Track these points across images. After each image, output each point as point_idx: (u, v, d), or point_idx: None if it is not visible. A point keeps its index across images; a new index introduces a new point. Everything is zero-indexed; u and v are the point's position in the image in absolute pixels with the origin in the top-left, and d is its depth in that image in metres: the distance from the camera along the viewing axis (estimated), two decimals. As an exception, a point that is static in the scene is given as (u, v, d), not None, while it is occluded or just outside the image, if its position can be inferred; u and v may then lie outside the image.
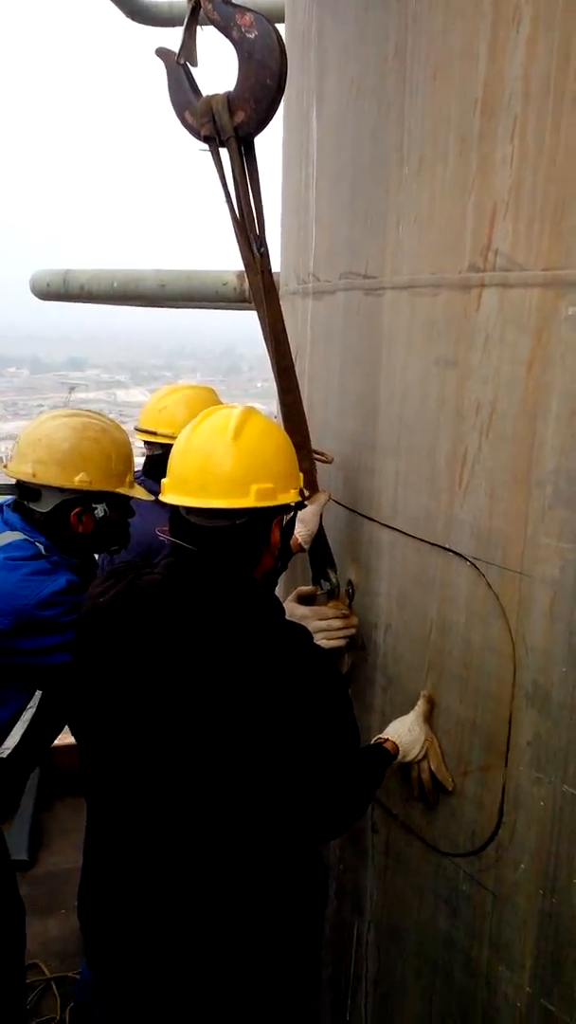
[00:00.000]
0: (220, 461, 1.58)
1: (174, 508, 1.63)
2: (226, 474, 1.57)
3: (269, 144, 2.85)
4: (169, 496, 1.62)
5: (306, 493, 1.75)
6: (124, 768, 1.58)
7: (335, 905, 2.39)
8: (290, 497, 1.65)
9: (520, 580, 1.56)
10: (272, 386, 2.12)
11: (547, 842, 1.56)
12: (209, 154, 2.02)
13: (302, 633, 1.65)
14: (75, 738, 1.75)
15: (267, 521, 1.62)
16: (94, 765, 1.66)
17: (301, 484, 1.72)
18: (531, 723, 1.57)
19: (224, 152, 1.96)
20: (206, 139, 1.98)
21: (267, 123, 1.95)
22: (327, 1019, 2.51)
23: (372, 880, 2.18)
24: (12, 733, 2.07)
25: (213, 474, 1.57)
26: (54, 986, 2.93)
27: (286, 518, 1.68)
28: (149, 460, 2.92)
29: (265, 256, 2.03)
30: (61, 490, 2.10)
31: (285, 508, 1.65)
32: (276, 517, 1.63)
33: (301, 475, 1.74)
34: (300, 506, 1.73)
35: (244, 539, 1.60)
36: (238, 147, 1.94)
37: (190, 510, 1.60)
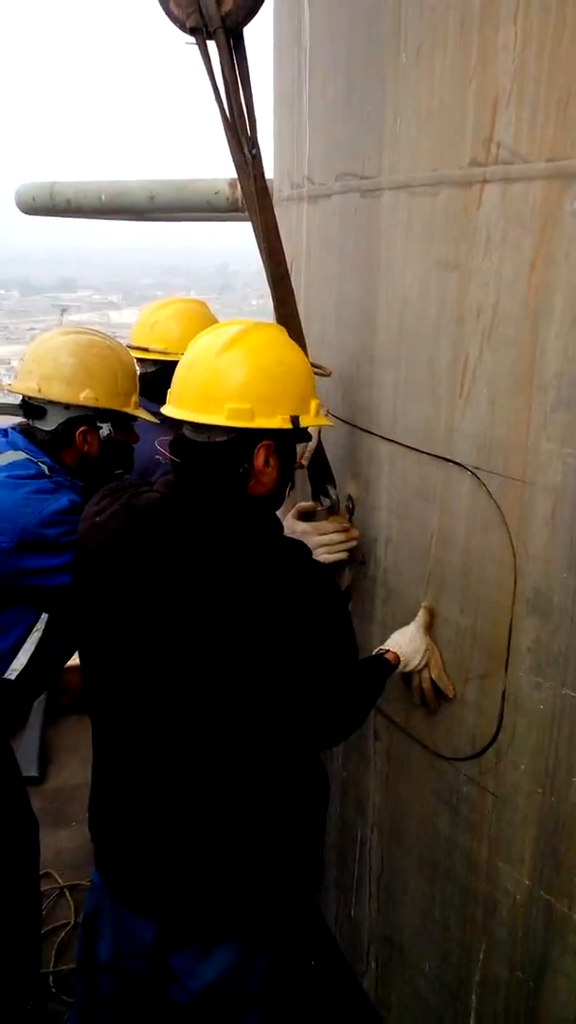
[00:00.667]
0: (199, 374, 1.57)
1: (177, 421, 1.62)
2: (201, 389, 1.55)
3: (260, 36, 2.71)
4: (166, 407, 1.62)
5: (310, 423, 1.64)
6: (129, 683, 1.60)
7: (339, 810, 2.47)
8: (273, 423, 1.55)
9: (522, 488, 1.55)
10: (268, 303, 2.06)
11: (546, 743, 1.59)
12: (196, 48, 1.91)
13: (300, 548, 1.65)
14: (79, 655, 1.76)
15: (250, 443, 1.55)
16: (99, 681, 1.68)
17: (303, 411, 1.62)
18: (531, 629, 1.58)
19: (212, 45, 1.86)
20: (192, 31, 1.88)
21: (256, 12, 1.84)
22: (333, 917, 2.62)
23: (375, 785, 2.24)
24: (19, 655, 2.09)
25: (190, 386, 1.57)
26: (67, 893, 3.05)
27: (282, 444, 1.59)
28: (143, 378, 2.84)
29: (257, 158, 1.94)
30: (66, 407, 2.07)
31: (271, 433, 1.56)
32: (261, 441, 1.56)
33: (314, 402, 1.65)
34: (299, 436, 1.64)
35: (222, 457, 1.56)
36: (226, 39, 1.84)
37: (184, 422, 1.58)
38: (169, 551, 1.53)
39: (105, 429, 2.11)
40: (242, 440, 1.56)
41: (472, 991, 1.91)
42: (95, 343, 2.12)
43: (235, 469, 1.56)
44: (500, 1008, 1.84)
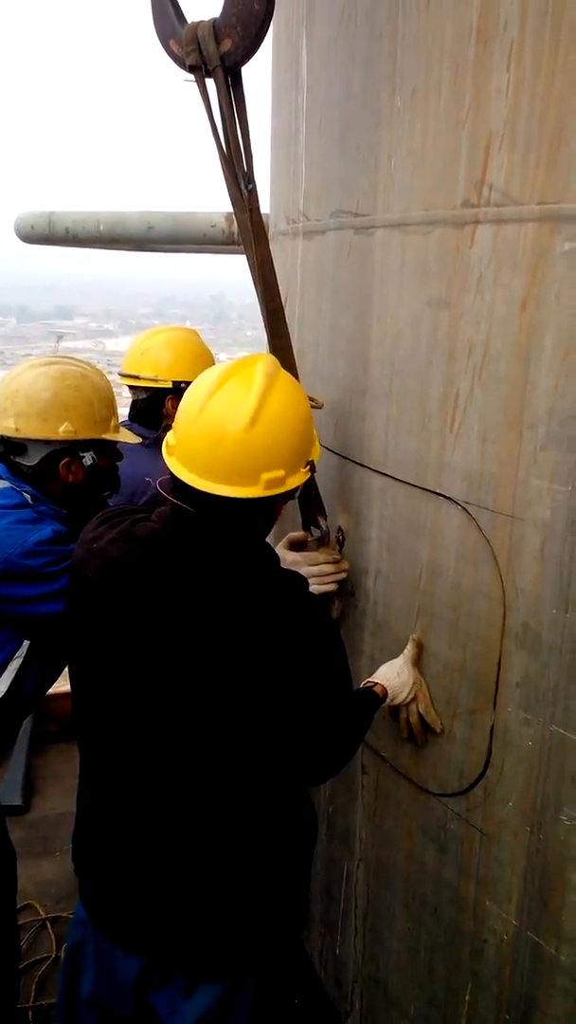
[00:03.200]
0: (231, 450, 1.45)
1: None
2: (235, 465, 1.47)
3: (258, 75, 2.76)
4: (173, 463, 1.53)
5: (316, 466, 1.64)
6: (120, 711, 1.59)
7: (325, 845, 2.44)
8: (299, 479, 1.55)
9: (511, 523, 1.55)
10: (262, 334, 2.07)
11: (534, 781, 1.58)
12: (195, 85, 1.95)
13: (298, 581, 1.65)
14: (71, 683, 1.75)
15: (272, 502, 1.55)
16: (90, 708, 1.67)
17: (314, 456, 1.62)
18: (520, 665, 1.58)
19: (211, 83, 1.89)
20: (191, 69, 1.91)
21: (255, 52, 1.88)
22: (318, 953, 2.58)
23: (362, 820, 2.22)
24: (0, 681, 2.07)
25: (221, 461, 1.46)
26: (49, 926, 3.00)
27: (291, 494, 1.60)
28: (135, 405, 2.88)
29: (253, 193, 1.97)
30: (46, 442, 2.06)
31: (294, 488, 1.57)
32: (283, 498, 1.57)
33: (315, 445, 1.64)
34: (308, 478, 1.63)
35: (248, 517, 1.54)
36: (225, 77, 1.87)
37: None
38: (168, 581, 1.52)
39: (88, 457, 2.11)
40: (268, 501, 1.53)
41: (458, 1034, 1.88)
42: (67, 373, 2.09)
43: (261, 525, 1.57)
44: (486, 1052, 1.81)
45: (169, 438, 1.58)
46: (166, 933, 1.62)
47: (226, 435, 1.46)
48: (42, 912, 3.06)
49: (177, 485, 1.55)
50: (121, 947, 1.66)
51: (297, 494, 1.97)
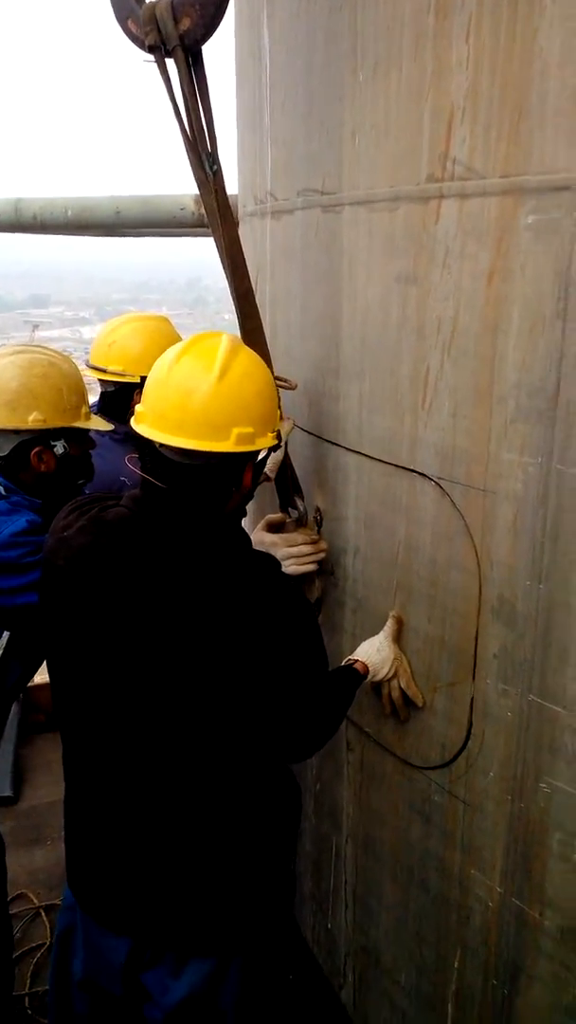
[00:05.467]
0: (202, 401, 1.49)
1: (147, 439, 1.56)
2: (207, 417, 1.49)
3: (221, 53, 2.73)
4: (143, 428, 1.54)
5: (283, 435, 1.68)
6: (98, 698, 1.59)
7: (314, 822, 2.47)
8: (267, 441, 1.58)
9: (484, 497, 1.56)
10: (238, 318, 2.07)
11: (514, 750, 1.61)
12: (155, 65, 1.93)
13: (270, 562, 1.65)
14: (49, 672, 1.75)
15: (242, 462, 1.57)
16: (69, 697, 1.67)
17: (279, 426, 1.65)
18: (497, 637, 1.60)
19: (172, 63, 1.87)
20: (151, 49, 1.89)
21: (214, 30, 1.86)
22: (310, 929, 2.61)
23: (348, 796, 2.24)
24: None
25: (193, 414, 1.49)
26: (43, 913, 3.02)
27: (259, 456, 1.63)
28: (104, 396, 2.79)
29: (218, 174, 1.95)
30: (16, 432, 2.04)
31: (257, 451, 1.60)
32: (251, 459, 1.59)
33: (285, 419, 1.68)
34: (275, 448, 1.67)
35: (217, 479, 1.55)
36: (185, 57, 1.85)
37: (164, 444, 1.53)
38: (139, 566, 1.52)
39: (59, 446, 2.09)
40: (236, 461, 1.55)
41: (448, 1000, 1.92)
42: (35, 362, 2.07)
43: (227, 489, 1.57)
44: (476, 1017, 1.84)
45: (138, 408, 1.59)
46: (154, 913, 1.64)
47: (196, 389, 1.50)
48: (35, 900, 3.07)
49: (147, 460, 1.56)
50: (110, 929, 1.68)
51: (272, 475, 1.98)
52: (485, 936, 1.77)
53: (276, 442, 1.62)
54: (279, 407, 1.71)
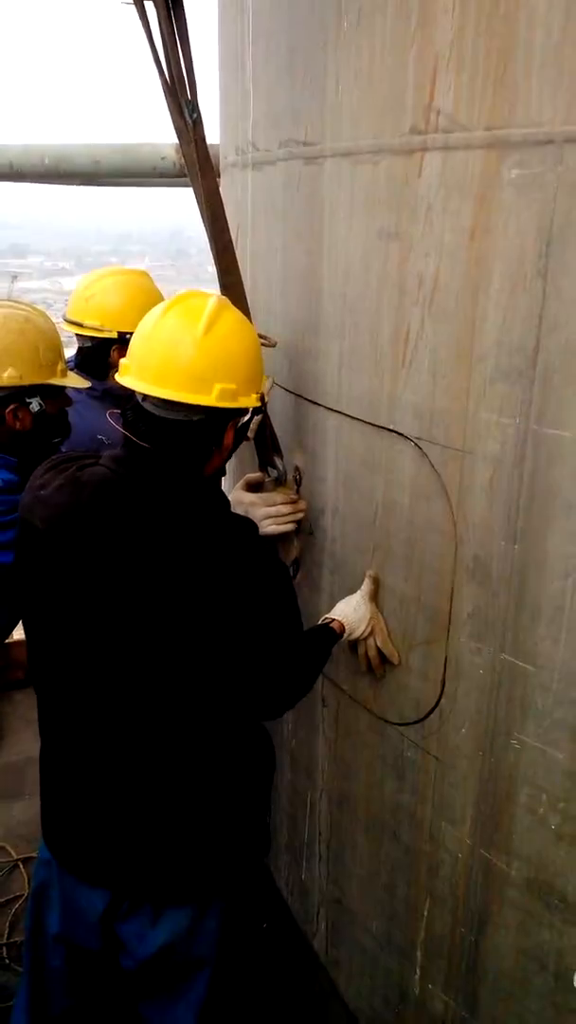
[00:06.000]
0: (186, 353, 1.51)
1: (130, 394, 1.57)
2: (191, 368, 1.51)
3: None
4: (128, 379, 1.55)
5: (267, 398, 1.68)
6: (74, 654, 1.60)
7: (289, 777, 2.50)
8: (250, 401, 1.59)
9: (462, 458, 1.56)
10: (219, 271, 2.03)
11: (485, 707, 1.63)
12: (133, 8, 1.86)
13: (247, 525, 1.66)
14: (25, 629, 1.75)
15: (224, 421, 1.57)
16: (45, 653, 1.67)
17: (263, 388, 1.66)
18: (471, 597, 1.61)
19: (150, 6, 1.81)
20: (129, -11, 1.83)
21: (195, -29, 1.80)
22: (284, 880, 2.67)
23: (323, 751, 2.27)
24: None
25: (177, 366, 1.51)
26: (21, 866, 3.06)
27: (242, 420, 1.63)
28: (81, 352, 2.74)
29: (198, 123, 1.91)
30: None
31: (243, 411, 1.61)
32: (233, 419, 1.59)
33: (265, 378, 1.68)
34: (258, 410, 1.67)
35: (198, 436, 1.55)
36: (165, 2, 1.80)
37: (147, 397, 1.54)
38: (117, 526, 1.52)
39: (35, 403, 2.06)
40: (218, 419, 1.55)
41: (417, 948, 1.97)
42: (10, 317, 2.04)
43: (208, 447, 1.57)
44: (444, 963, 1.90)
45: (123, 361, 1.60)
46: (130, 864, 1.67)
47: (182, 340, 1.53)
48: (13, 853, 3.11)
49: (129, 415, 1.57)
50: (86, 882, 1.70)
51: (251, 434, 1.97)
52: (454, 886, 1.81)
53: (259, 404, 1.63)
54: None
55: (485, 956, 1.77)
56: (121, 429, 1.59)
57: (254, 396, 1.61)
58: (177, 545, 1.52)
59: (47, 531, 1.56)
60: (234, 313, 1.63)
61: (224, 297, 1.63)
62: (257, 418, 2.01)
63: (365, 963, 2.22)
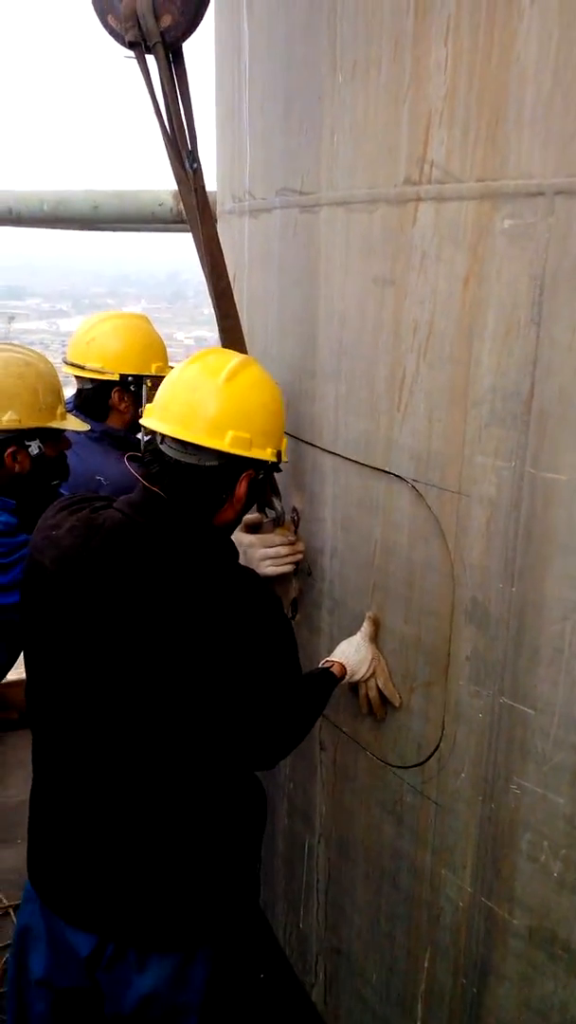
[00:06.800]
0: (204, 398, 1.57)
1: (152, 436, 1.62)
2: (207, 413, 1.56)
3: (201, 51, 2.72)
4: (150, 421, 1.61)
5: (284, 458, 1.72)
6: (73, 696, 1.59)
7: (286, 822, 2.47)
8: (265, 455, 1.62)
9: (458, 500, 1.57)
10: (216, 314, 2.06)
11: (485, 751, 1.62)
12: (135, 62, 1.91)
13: (253, 577, 1.68)
14: (26, 668, 1.74)
15: (237, 471, 1.60)
16: (44, 692, 1.67)
17: (282, 447, 1.69)
18: (470, 639, 1.61)
19: (152, 59, 1.86)
20: (131, 45, 1.88)
21: (195, 28, 1.85)
22: (282, 928, 2.62)
23: (321, 796, 2.24)
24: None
25: (194, 409, 1.56)
26: (12, 913, 2.99)
27: (258, 475, 1.66)
28: (80, 393, 2.76)
29: (198, 172, 1.95)
30: None
31: (257, 464, 1.63)
32: (247, 470, 1.61)
33: (284, 440, 1.72)
34: (275, 469, 1.71)
35: (209, 482, 1.58)
36: (165, 54, 1.85)
37: (164, 439, 1.58)
38: (128, 571, 1.53)
39: (34, 446, 2.07)
40: (231, 467, 1.58)
41: (418, 1000, 1.93)
42: (10, 361, 2.05)
43: (218, 495, 1.59)
44: (445, 1016, 1.85)
45: (148, 404, 1.67)
46: (117, 908, 1.64)
47: (203, 386, 1.59)
48: (4, 900, 3.05)
49: (146, 455, 1.61)
50: (71, 924, 1.68)
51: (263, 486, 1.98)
52: (455, 935, 1.78)
53: (275, 460, 1.66)
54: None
55: (487, 1009, 1.73)
56: (139, 478, 1.61)
57: (270, 451, 1.64)
58: (183, 595, 1.53)
59: (56, 572, 1.57)
60: (259, 370, 1.69)
61: (252, 359, 1.70)
62: None
63: (365, 1015, 2.17)
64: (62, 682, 1.61)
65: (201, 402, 1.56)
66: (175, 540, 1.56)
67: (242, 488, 1.62)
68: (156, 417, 1.60)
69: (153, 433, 1.61)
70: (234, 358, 1.65)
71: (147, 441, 1.64)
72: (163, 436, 1.58)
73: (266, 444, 1.63)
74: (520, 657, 1.51)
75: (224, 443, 1.55)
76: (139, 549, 1.55)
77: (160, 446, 1.59)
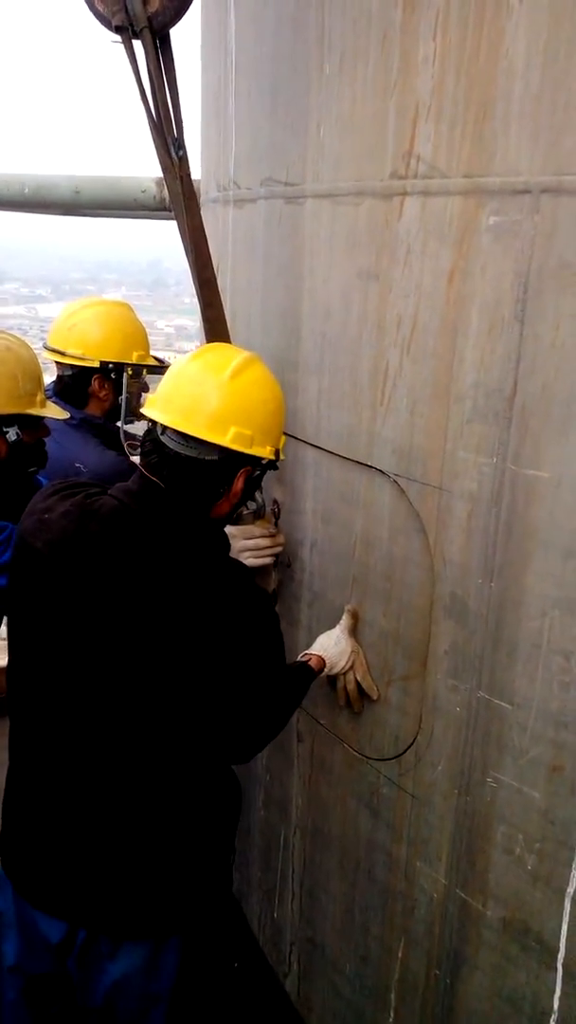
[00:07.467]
0: (209, 393, 1.57)
1: (152, 425, 1.61)
2: (211, 408, 1.56)
3: (189, 37, 2.69)
4: (152, 412, 1.61)
5: (282, 456, 1.73)
6: (55, 681, 1.60)
7: (262, 813, 2.48)
8: (265, 452, 1.63)
9: (439, 495, 1.58)
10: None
11: (462, 745, 1.63)
12: (122, 46, 1.89)
13: (245, 571, 1.69)
14: (9, 651, 1.73)
15: (236, 466, 1.60)
16: (25, 679, 1.67)
17: (280, 445, 1.70)
18: (448, 633, 1.62)
19: (139, 45, 1.84)
20: (118, 30, 1.85)
21: (183, 14, 1.83)
22: (256, 919, 2.63)
23: (298, 788, 2.25)
24: None
25: (198, 404, 1.56)
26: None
27: (255, 472, 1.67)
28: (60, 380, 2.73)
29: (184, 160, 1.93)
30: None
31: (256, 461, 1.63)
32: (245, 466, 1.62)
33: (283, 438, 1.73)
34: (272, 466, 1.71)
35: (208, 475, 1.58)
36: (153, 40, 1.83)
37: (165, 430, 1.58)
38: (119, 558, 1.53)
39: (12, 433, 2.04)
40: (231, 463, 1.59)
41: (391, 989, 1.94)
42: None
43: (216, 489, 1.60)
44: (418, 1005, 1.87)
45: (150, 395, 1.67)
46: (90, 896, 1.65)
47: (208, 381, 1.59)
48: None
49: (147, 448, 1.61)
50: (44, 911, 1.68)
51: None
52: (429, 927, 1.79)
53: (274, 458, 1.67)
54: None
55: (460, 999, 1.75)
56: (139, 466, 1.62)
57: (269, 448, 1.65)
58: (175, 583, 1.54)
59: (50, 555, 1.56)
60: (263, 368, 1.69)
61: (256, 356, 1.69)
62: None
63: (338, 1005, 2.19)
64: (46, 666, 1.61)
65: (205, 397, 1.57)
66: (171, 529, 1.57)
67: (239, 483, 1.63)
68: (158, 409, 1.60)
69: (154, 423, 1.60)
70: (239, 355, 1.65)
71: (147, 431, 1.64)
72: (164, 428, 1.57)
73: (266, 442, 1.64)
74: (498, 652, 1.52)
75: (226, 439, 1.56)
76: (134, 536, 1.55)
77: (161, 437, 1.58)
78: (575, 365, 1.31)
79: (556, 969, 1.52)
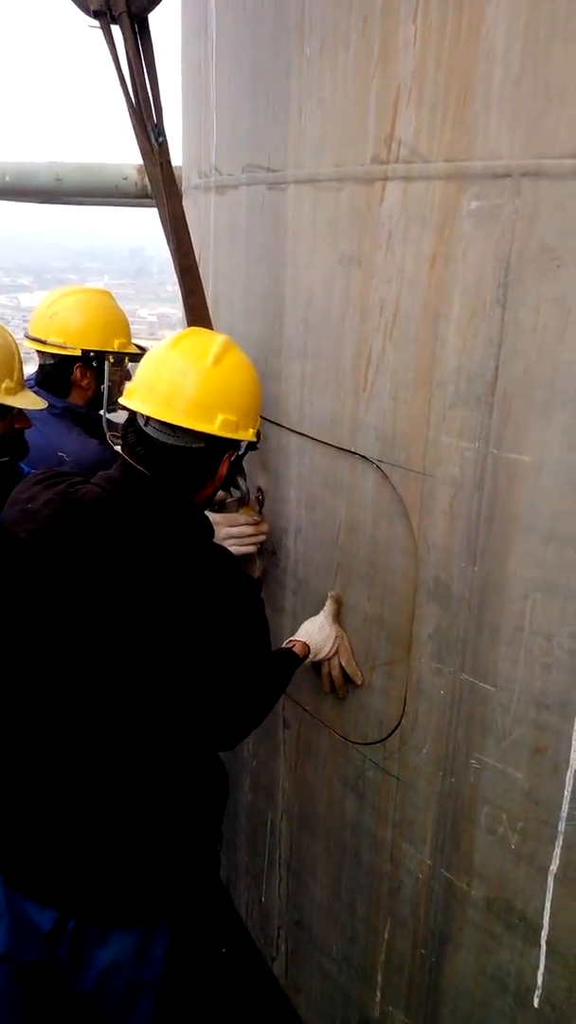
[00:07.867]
0: (194, 381, 1.57)
1: (132, 415, 1.60)
2: (197, 397, 1.56)
3: (168, 21, 2.67)
4: (134, 402, 1.59)
5: (263, 436, 1.75)
6: (41, 669, 1.60)
7: (249, 798, 2.49)
8: (248, 435, 1.64)
9: (422, 480, 1.59)
10: (181, 290, 2.03)
11: (446, 728, 1.65)
12: (100, 31, 1.88)
13: (228, 556, 1.71)
14: None
15: (221, 452, 1.62)
16: (9, 666, 1.66)
17: (259, 426, 1.71)
18: (432, 617, 1.63)
19: (117, 30, 1.82)
20: (96, 14, 1.84)
21: (161, -2, 1.82)
22: (244, 903, 2.65)
23: (283, 772, 2.27)
24: None
25: (183, 393, 1.56)
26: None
27: (236, 453, 1.68)
28: (42, 369, 2.71)
29: (164, 146, 1.92)
30: None
31: (239, 444, 1.65)
32: (229, 450, 1.63)
33: (259, 418, 1.74)
34: (253, 447, 1.73)
35: (196, 463, 1.59)
36: (131, 24, 1.81)
37: (148, 420, 1.56)
38: (104, 546, 1.53)
39: None
40: (216, 448, 1.60)
41: (378, 969, 1.97)
42: None
43: (203, 475, 1.61)
44: (404, 984, 1.89)
45: (128, 385, 1.66)
46: (79, 884, 1.65)
47: (190, 369, 1.58)
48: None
49: (130, 436, 1.60)
50: (35, 901, 1.68)
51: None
52: (415, 907, 1.82)
53: (255, 440, 1.68)
54: None
55: (445, 977, 1.77)
56: (122, 454, 1.61)
57: (251, 431, 1.66)
58: (160, 571, 1.54)
59: (32, 544, 1.56)
60: (240, 351, 1.69)
61: (230, 339, 1.69)
62: None
63: (325, 986, 2.21)
64: (32, 655, 1.61)
65: (190, 385, 1.56)
66: (156, 516, 1.57)
67: (224, 468, 1.64)
68: (139, 399, 1.58)
69: (134, 414, 1.59)
70: (216, 340, 1.65)
71: (128, 421, 1.62)
72: (147, 418, 1.56)
73: (248, 425, 1.65)
74: (481, 635, 1.53)
75: (214, 427, 1.56)
76: (119, 523, 1.55)
77: (145, 428, 1.57)
78: (556, 349, 1.32)
79: (540, 946, 1.54)
